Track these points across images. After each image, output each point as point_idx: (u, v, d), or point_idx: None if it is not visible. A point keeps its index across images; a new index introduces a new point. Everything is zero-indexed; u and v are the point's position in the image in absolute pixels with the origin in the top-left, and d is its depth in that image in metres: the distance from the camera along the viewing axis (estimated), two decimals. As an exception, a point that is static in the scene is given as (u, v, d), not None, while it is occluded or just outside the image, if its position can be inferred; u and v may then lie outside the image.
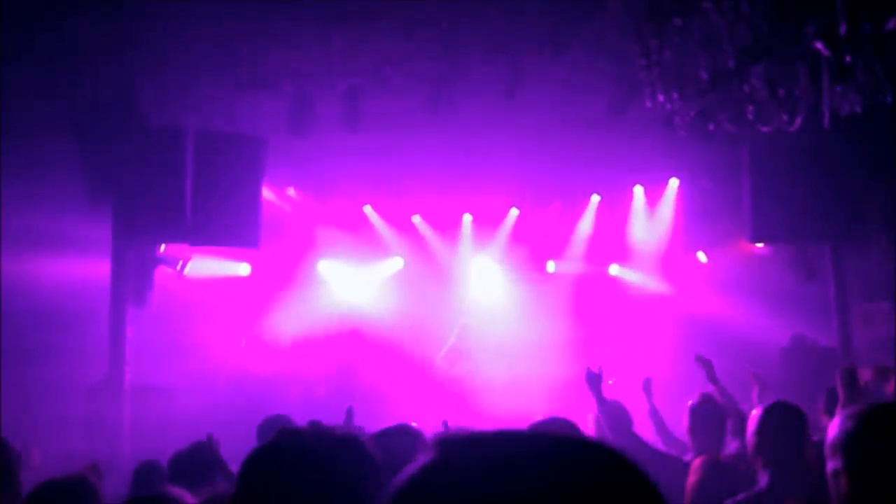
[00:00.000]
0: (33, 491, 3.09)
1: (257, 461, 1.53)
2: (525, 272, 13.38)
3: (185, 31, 9.64)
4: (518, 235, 13.49)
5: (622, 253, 13.23)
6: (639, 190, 13.10)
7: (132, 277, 10.10)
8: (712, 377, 5.33)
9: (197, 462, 4.24)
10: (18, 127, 8.89)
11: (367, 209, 13.33)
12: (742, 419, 4.63)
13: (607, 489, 0.87)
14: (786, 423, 3.87)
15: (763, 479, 3.63)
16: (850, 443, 2.23)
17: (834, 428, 2.32)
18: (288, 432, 1.62)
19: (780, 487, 3.55)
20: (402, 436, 3.20)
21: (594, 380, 5.00)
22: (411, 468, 0.90)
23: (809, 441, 3.93)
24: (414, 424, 3.61)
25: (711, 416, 4.72)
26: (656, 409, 5.70)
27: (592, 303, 12.92)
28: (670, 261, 12.73)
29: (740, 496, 3.59)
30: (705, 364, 5.42)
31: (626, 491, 0.88)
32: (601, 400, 4.94)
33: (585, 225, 13.35)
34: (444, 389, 11.58)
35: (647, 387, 5.83)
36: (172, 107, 10.30)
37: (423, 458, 0.90)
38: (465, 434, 0.92)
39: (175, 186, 9.71)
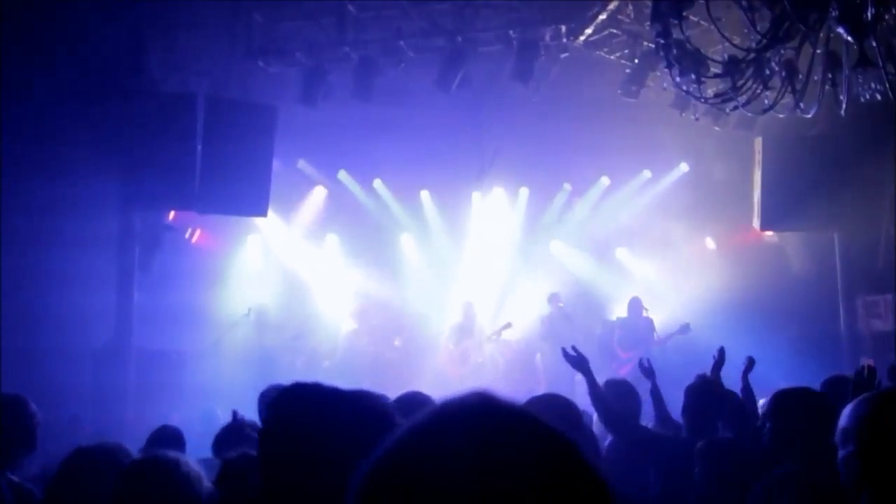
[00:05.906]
0: (71, 455, 3.01)
1: (288, 396, 1.53)
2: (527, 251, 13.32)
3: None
4: (524, 213, 13.44)
5: (628, 237, 13.14)
6: (646, 174, 13.02)
7: (139, 243, 10.10)
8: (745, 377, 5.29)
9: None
10: (28, 89, 8.83)
11: (377, 183, 13.24)
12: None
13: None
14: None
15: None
16: (863, 427, 2.23)
17: (846, 415, 2.32)
18: (305, 383, 1.61)
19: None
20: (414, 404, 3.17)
21: (575, 362, 4.91)
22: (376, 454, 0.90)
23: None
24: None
25: (707, 397, 4.70)
26: (658, 389, 5.66)
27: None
28: (677, 246, 12.62)
29: None
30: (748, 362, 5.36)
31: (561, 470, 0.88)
32: (592, 382, 4.85)
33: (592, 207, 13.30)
34: (450, 366, 11.60)
35: (647, 368, 5.80)
36: (184, 72, 10.24)
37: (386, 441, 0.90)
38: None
39: (185, 153, 9.65)
